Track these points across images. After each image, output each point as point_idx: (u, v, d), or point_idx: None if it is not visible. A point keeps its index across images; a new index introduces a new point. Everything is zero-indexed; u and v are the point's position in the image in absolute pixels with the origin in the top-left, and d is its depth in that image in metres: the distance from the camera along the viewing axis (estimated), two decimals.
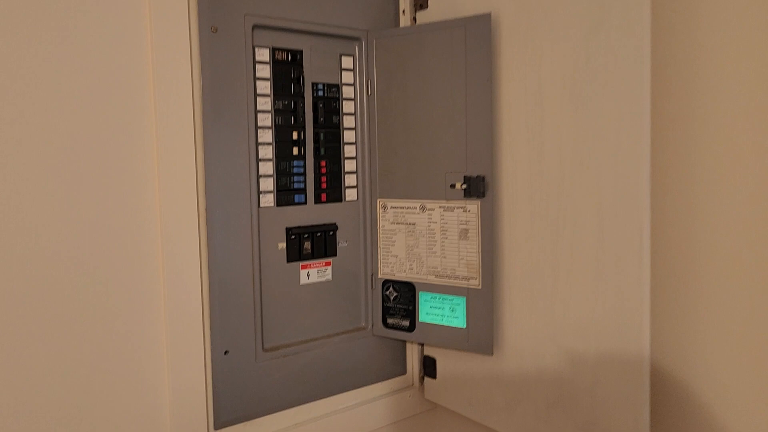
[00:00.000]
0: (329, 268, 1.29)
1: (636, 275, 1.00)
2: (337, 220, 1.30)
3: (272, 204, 1.23)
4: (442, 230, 1.24)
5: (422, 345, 1.41)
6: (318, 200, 1.28)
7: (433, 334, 1.28)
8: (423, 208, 1.26)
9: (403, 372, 1.41)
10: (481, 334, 1.22)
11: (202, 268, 1.13)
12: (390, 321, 1.32)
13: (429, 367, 1.38)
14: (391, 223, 1.31)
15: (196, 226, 1.11)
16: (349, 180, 1.33)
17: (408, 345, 1.43)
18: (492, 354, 1.22)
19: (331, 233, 1.29)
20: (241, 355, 1.19)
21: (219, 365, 1.17)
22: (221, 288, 1.16)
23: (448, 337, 1.26)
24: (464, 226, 1.22)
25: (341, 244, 1.31)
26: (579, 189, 1.07)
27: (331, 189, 1.30)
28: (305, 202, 1.27)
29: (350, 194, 1.32)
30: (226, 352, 1.16)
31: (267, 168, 1.21)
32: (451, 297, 1.24)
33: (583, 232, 1.06)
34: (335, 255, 1.30)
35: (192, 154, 1.10)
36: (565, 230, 1.09)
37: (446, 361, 1.35)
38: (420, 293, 1.28)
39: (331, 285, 1.30)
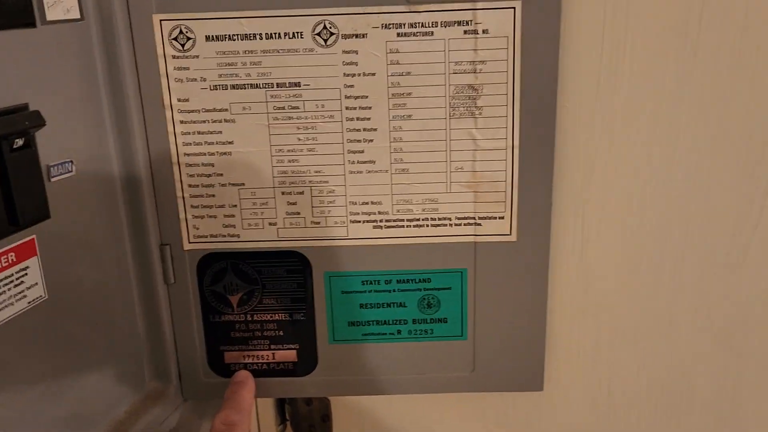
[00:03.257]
0: (30, 266, 0.35)
1: None
2: (26, 94, 0.34)
3: None
4: (397, 96, 0.40)
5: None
6: None
7: (368, 370, 0.47)
8: (323, 31, 0.39)
9: None
10: (514, 347, 0.46)
11: None
12: (234, 358, 0.46)
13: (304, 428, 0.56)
14: (213, 86, 0.40)
15: None
16: None
17: None
18: (542, 388, 0.48)
19: (17, 140, 0.32)
20: None
21: None
22: None
23: (413, 371, 0.47)
24: (469, 80, 0.40)
25: (57, 176, 0.36)
26: None
27: None
28: None
29: None
30: None
31: None
32: (423, 274, 0.44)
33: None
34: (44, 216, 0.35)
35: None
36: None
37: (354, 407, 0.55)
38: (327, 276, 0.44)
39: (42, 316, 0.36)
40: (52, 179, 0.37)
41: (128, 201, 0.43)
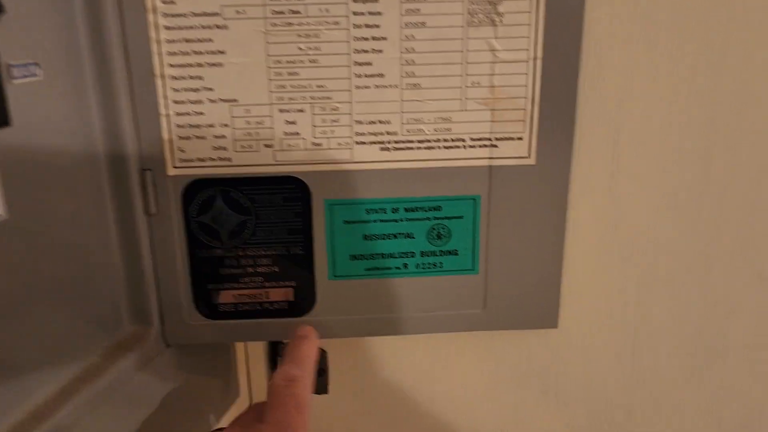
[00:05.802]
0: None
1: None
2: None
3: None
4: (410, 0, 0.38)
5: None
6: None
7: (372, 309, 0.41)
8: None
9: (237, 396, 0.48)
10: (529, 282, 0.41)
11: None
12: (223, 298, 0.40)
13: None
14: None
15: None
16: None
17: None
18: (557, 326, 0.43)
19: None
20: None
21: None
22: None
23: (420, 309, 0.41)
24: None
25: (19, 78, 0.29)
26: None
27: None
28: None
29: None
30: None
31: None
32: (433, 201, 0.39)
33: None
34: (3, 122, 0.28)
35: None
36: None
37: (352, 361, 0.48)
38: (328, 204, 0.38)
39: (1, 239, 0.30)
40: (14, 81, 0.30)
41: (104, 118, 0.35)
